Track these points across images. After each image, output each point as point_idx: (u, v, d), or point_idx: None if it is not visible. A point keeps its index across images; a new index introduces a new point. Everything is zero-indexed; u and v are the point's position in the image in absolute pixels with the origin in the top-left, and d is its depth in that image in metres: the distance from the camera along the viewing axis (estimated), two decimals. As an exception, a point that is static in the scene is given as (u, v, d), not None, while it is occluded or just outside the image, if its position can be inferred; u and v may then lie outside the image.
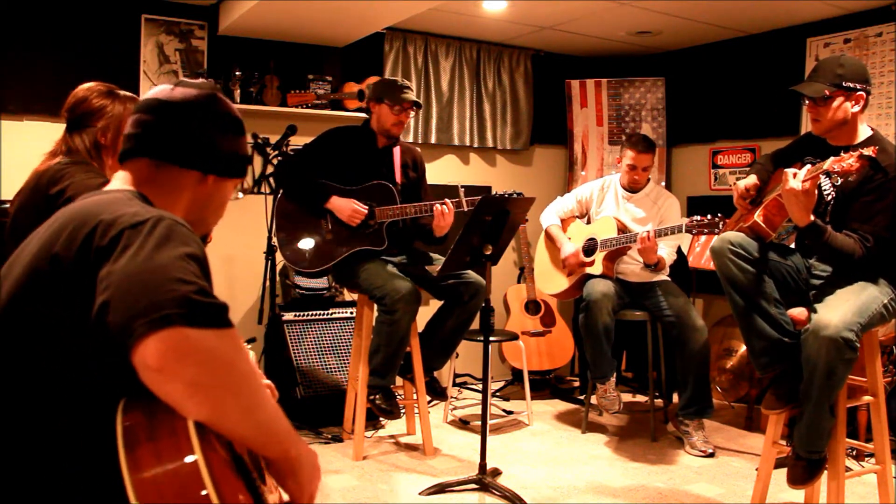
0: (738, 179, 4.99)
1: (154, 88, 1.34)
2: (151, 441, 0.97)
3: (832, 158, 2.42)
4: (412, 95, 3.58)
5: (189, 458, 0.95)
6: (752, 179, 2.90)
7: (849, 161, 2.37)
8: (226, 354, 1.00)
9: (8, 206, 2.27)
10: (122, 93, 2.30)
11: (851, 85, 2.57)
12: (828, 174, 2.52)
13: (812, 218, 2.48)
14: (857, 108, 2.60)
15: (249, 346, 1.66)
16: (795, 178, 2.46)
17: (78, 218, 1.12)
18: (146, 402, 1.00)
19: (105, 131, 2.23)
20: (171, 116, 1.29)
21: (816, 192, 2.54)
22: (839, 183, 2.63)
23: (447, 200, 3.54)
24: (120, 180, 1.29)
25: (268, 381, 1.60)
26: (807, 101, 2.66)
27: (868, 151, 2.36)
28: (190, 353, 0.96)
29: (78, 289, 1.05)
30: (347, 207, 3.54)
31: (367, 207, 3.56)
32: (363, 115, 3.82)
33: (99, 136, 2.22)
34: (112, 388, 1.04)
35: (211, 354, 0.98)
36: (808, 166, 2.50)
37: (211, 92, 1.34)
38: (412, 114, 3.65)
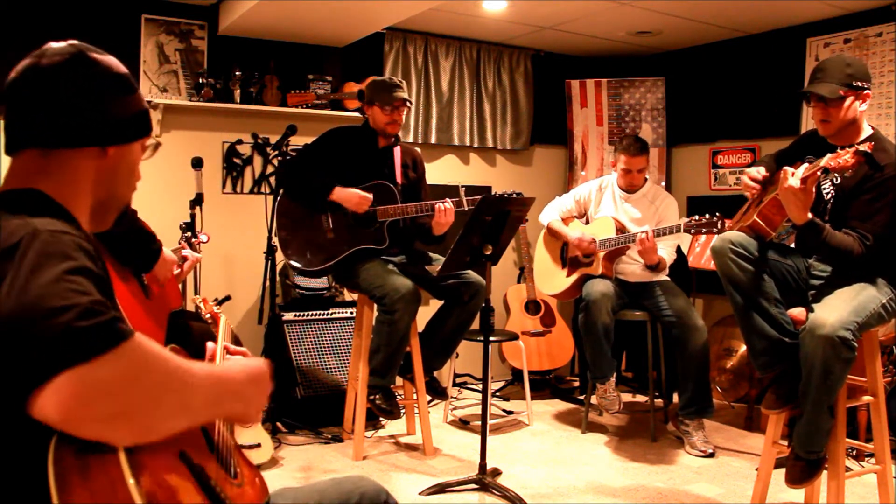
0: (738, 180, 5.02)
1: (17, 66, 1.14)
2: (84, 479, 0.90)
3: (829, 155, 2.42)
4: (402, 93, 3.59)
5: (123, 490, 0.89)
6: (762, 170, 2.88)
7: (845, 157, 2.36)
8: (132, 372, 0.91)
9: None
10: None
11: (861, 84, 2.57)
12: (825, 171, 2.51)
13: (810, 216, 2.48)
14: (864, 108, 2.61)
15: (220, 309, 1.61)
16: (794, 177, 2.46)
17: None
18: (75, 439, 0.91)
19: None
20: (45, 93, 1.11)
21: (815, 190, 2.54)
22: (838, 181, 2.63)
23: (447, 199, 3.56)
24: (9, 179, 1.13)
25: (240, 349, 1.53)
26: (813, 103, 2.64)
27: (864, 147, 2.36)
28: (91, 392, 0.87)
29: None
30: (353, 195, 3.55)
31: (371, 194, 3.56)
32: (363, 115, 3.83)
33: None
34: (36, 428, 0.92)
35: (116, 382, 0.89)
36: (806, 164, 2.49)
37: (78, 52, 1.14)
38: (405, 111, 3.66)
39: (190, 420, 1.00)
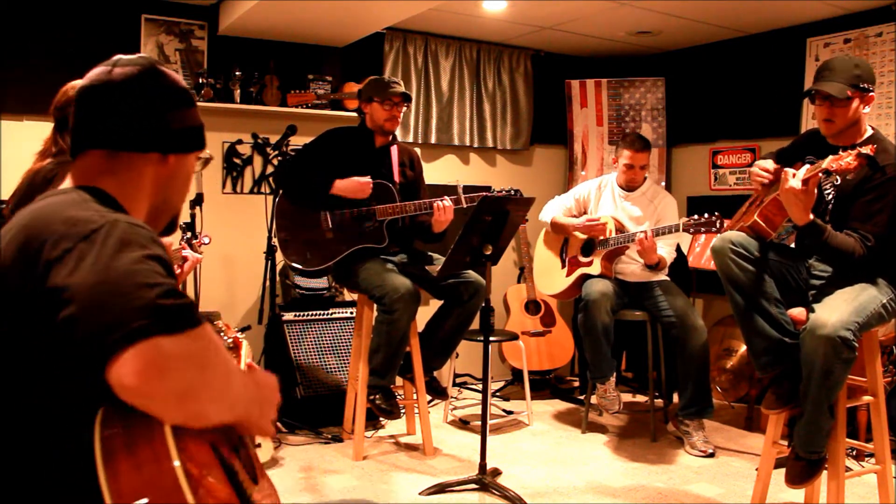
0: (738, 180, 5.02)
1: (90, 74, 1.24)
2: (130, 452, 0.95)
3: (830, 157, 2.41)
4: (400, 88, 3.59)
5: (168, 467, 0.94)
6: (771, 163, 2.87)
7: (847, 159, 2.36)
8: (202, 355, 0.98)
9: (4, 206, 2.28)
10: None
11: (867, 86, 2.56)
12: (827, 173, 2.51)
13: (811, 217, 2.47)
14: (867, 110, 2.60)
15: (243, 336, 1.66)
16: (795, 178, 2.46)
17: (30, 227, 1.05)
18: (123, 410, 0.97)
19: None
20: (117, 100, 1.20)
21: (816, 191, 2.54)
22: (838, 182, 2.63)
23: (446, 197, 3.57)
24: (75, 177, 1.21)
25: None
26: (818, 101, 2.62)
27: (866, 150, 2.36)
28: (168, 365, 0.93)
29: (31, 304, 1.00)
30: (353, 182, 3.55)
31: (371, 183, 3.57)
32: (361, 115, 3.84)
33: None
34: (87, 397, 0.99)
35: (188, 360, 0.96)
36: (808, 165, 2.49)
37: (150, 66, 1.24)
38: (404, 108, 3.66)
39: (228, 413, 1.04)
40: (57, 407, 1.02)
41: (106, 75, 1.21)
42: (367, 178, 3.57)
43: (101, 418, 0.97)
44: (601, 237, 4.01)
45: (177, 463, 0.94)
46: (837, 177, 2.59)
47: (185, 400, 0.95)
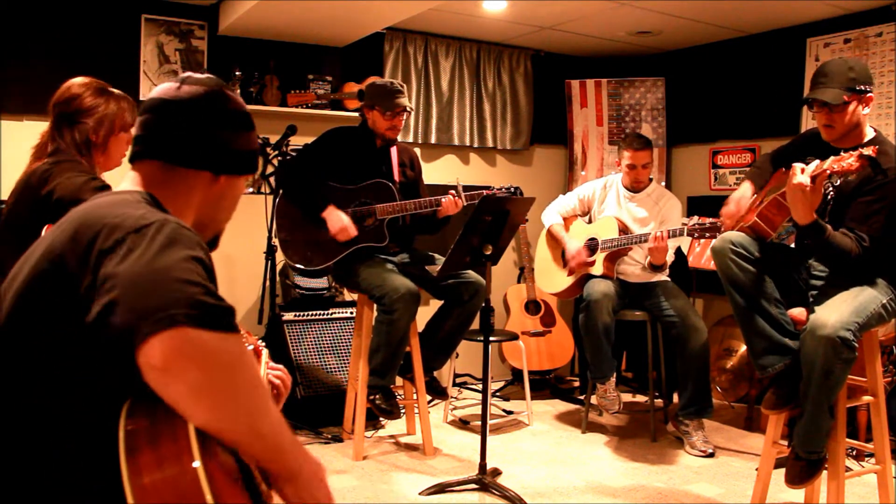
0: (738, 180, 5.02)
1: (159, 87, 1.31)
2: (153, 446, 0.96)
3: (832, 158, 2.40)
4: (404, 100, 3.58)
5: (190, 466, 0.94)
6: (748, 191, 2.88)
7: (849, 161, 2.35)
8: (231, 358, 0.99)
9: (3, 206, 2.28)
10: (115, 91, 2.31)
11: (864, 87, 2.56)
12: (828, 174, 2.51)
13: (814, 217, 2.46)
14: (867, 111, 2.60)
15: (263, 344, 1.66)
16: (804, 174, 2.42)
17: (84, 220, 1.10)
18: (149, 406, 0.99)
19: (97, 129, 2.23)
20: (180, 117, 1.26)
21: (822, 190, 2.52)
22: (838, 183, 2.62)
23: (452, 192, 3.62)
24: (130, 181, 1.27)
25: (278, 367, 1.59)
26: (816, 108, 2.62)
27: (868, 151, 2.35)
28: (195, 354, 0.96)
29: (78, 291, 1.04)
30: (339, 222, 3.51)
31: (356, 232, 3.55)
32: (362, 116, 3.85)
33: (91, 133, 2.22)
34: (115, 390, 1.03)
35: (216, 357, 0.97)
36: (817, 162, 2.45)
37: (217, 88, 1.30)
38: (405, 116, 3.67)
39: (252, 439, 1.03)
40: (85, 396, 1.04)
41: (174, 91, 1.27)
42: (354, 230, 3.53)
43: (127, 411, 1.00)
44: (573, 274, 4.03)
45: (198, 463, 0.94)
46: (837, 177, 2.59)
47: (207, 395, 0.97)
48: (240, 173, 1.33)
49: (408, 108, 3.61)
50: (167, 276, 0.99)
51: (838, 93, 2.53)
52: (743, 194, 2.88)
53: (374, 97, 3.60)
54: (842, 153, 2.40)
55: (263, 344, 1.72)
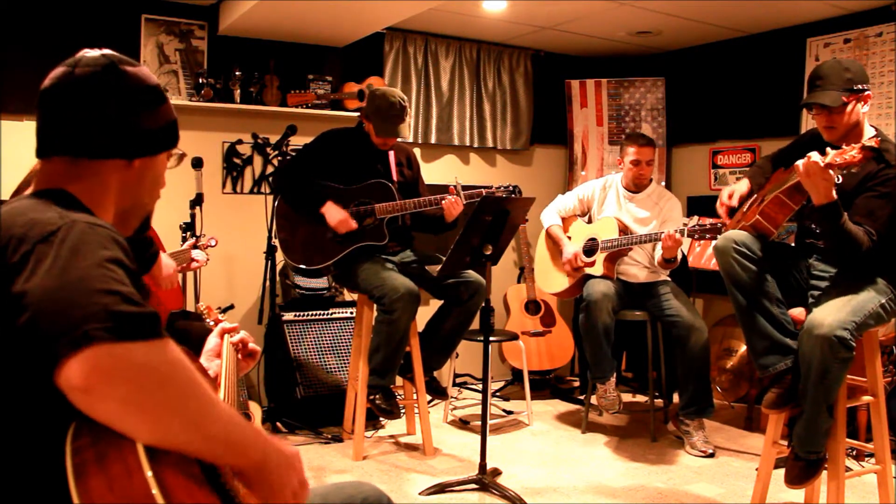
0: (738, 179, 5.02)
1: (53, 73, 1.18)
2: (101, 467, 0.91)
3: (834, 152, 2.38)
4: (400, 128, 3.56)
5: (139, 479, 0.90)
6: (743, 186, 2.89)
7: (851, 153, 2.32)
8: (158, 368, 0.92)
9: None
10: None
11: (861, 87, 2.56)
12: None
13: (835, 196, 2.41)
14: (866, 109, 2.60)
15: (224, 316, 1.64)
16: (818, 159, 2.37)
17: None
18: (94, 425, 0.93)
19: None
20: (78, 105, 1.14)
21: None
22: (839, 181, 2.61)
23: (452, 190, 3.62)
24: (40, 181, 1.17)
25: (242, 335, 1.56)
26: (815, 111, 2.61)
27: (870, 142, 2.33)
28: (117, 369, 0.89)
29: None
30: (338, 214, 3.53)
31: (356, 224, 3.56)
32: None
33: None
34: (56, 411, 0.95)
35: (141, 369, 0.91)
36: (833, 153, 2.38)
37: (111, 64, 1.17)
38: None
39: (203, 445, 0.98)
40: (28, 420, 0.97)
41: (67, 76, 1.16)
42: (354, 223, 3.54)
43: (73, 432, 0.94)
44: (571, 276, 4.03)
45: (149, 473, 0.90)
46: (839, 170, 2.56)
47: (139, 411, 0.91)
48: (155, 153, 1.23)
49: (402, 138, 3.62)
50: (79, 288, 0.91)
51: (836, 95, 2.53)
52: (739, 188, 2.91)
53: (373, 113, 3.59)
54: (843, 146, 2.37)
55: (222, 315, 1.71)
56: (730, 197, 2.89)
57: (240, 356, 1.59)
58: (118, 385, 0.89)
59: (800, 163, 2.43)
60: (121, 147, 1.18)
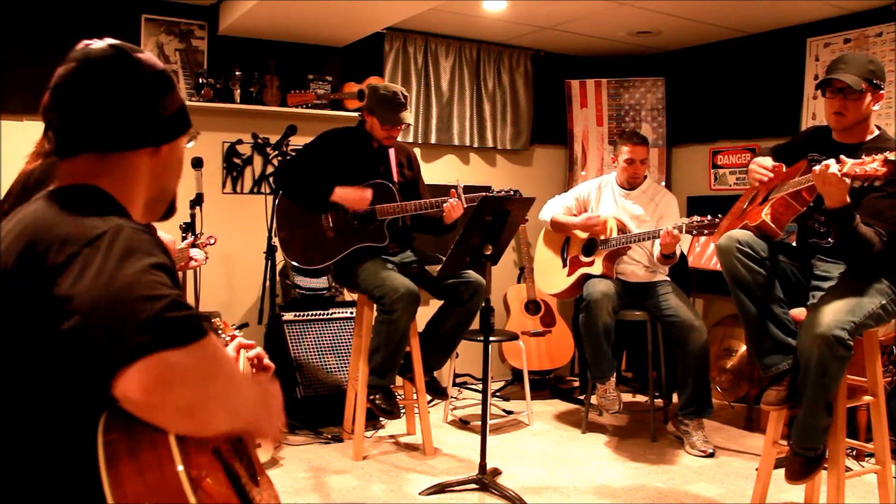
0: (738, 180, 5.02)
1: (62, 69, 1.15)
2: (133, 457, 0.94)
3: (853, 161, 2.34)
4: (405, 115, 3.58)
5: (171, 473, 0.93)
6: (768, 160, 2.80)
7: (873, 165, 2.29)
8: (209, 367, 0.97)
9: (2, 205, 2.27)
10: None
11: (879, 83, 2.56)
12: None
13: (848, 199, 2.40)
14: (877, 107, 2.60)
15: (240, 333, 1.66)
16: (836, 166, 2.35)
17: (31, 230, 1.03)
18: (126, 416, 0.96)
19: None
20: (97, 99, 1.12)
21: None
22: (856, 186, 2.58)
23: (453, 192, 3.62)
24: (66, 178, 1.16)
25: (257, 351, 1.59)
26: (829, 94, 2.60)
27: (892, 155, 2.30)
28: (174, 378, 0.92)
29: (35, 310, 0.98)
30: (351, 192, 3.56)
31: (371, 189, 3.57)
32: (361, 116, 3.86)
33: None
34: (89, 403, 0.98)
35: (194, 373, 0.94)
36: (851, 162, 2.36)
37: (123, 54, 1.16)
38: (403, 128, 3.67)
39: (234, 422, 1.03)
40: (60, 411, 1.00)
41: (79, 72, 1.14)
42: (367, 191, 3.57)
43: (104, 423, 0.97)
44: (602, 237, 4.01)
45: (180, 468, 0.93)
46: (859, 182, 2.53)
47: (192, 412, 0.95)
48: (177, 136, 1.24)
49: (408, 124, 3.62)
50: (130, 296, 0.93)
51: (858, 79, 2.53)
52: (765, 161, 2.79)
53: (376, 105, 3.60)
54: (863, 157, 2.34)
55: (240, 333, 1.72)
56: (763, 167, 2.75)
57: (254, 370, 1.62)
58: (175, 393, 0.92)
59: (816, 168, 2.42)
60: (148, 135, 1.18)
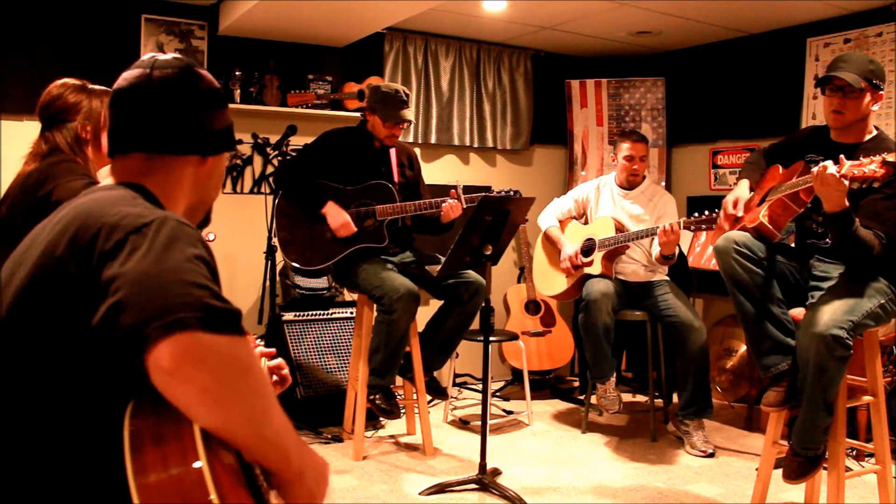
0: (738, 180, 5.01)
1: (127, 74, 1.25)
2: (157, 445, 0.96)
3: (851, 162, 2.35)
4: (407, 113, 3.57)
5: (195, 465, 0.94)
6: (745, 191, 2.83)
7: (871, 167, 2.29)
8: (240, 362, 0.99)
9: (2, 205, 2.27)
10: (95, 87, 2.31)
11: (878, 83, 2.56)
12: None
13: (847, 204, 2.40)
14: (876, 107, 2.60)
15: (260, 342, 1.67)
16: (834, 167, 2.35)
17: (80, 219, 1.09)
18: (154, 405, 0.99)
19: (85, 125, 2.24)
20: (159, 104, 1.22)
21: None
22: (856, 188, 2.58)
23: (447, 199, 3.60)
24: (116, 175, 1.25)
25: (279, 361, 1.61)
26: (828, 92, 2.60)
27: (891, 157, 2.31)
28: (205, 358, 0.95)
29: (81, 293, 1.03)
30: (340, 218, 3.54)
31: (356, 228, 3.57)
32: (362, 115, 3.86)
33: (80, 130, 2.23)
34: (119, 389, 1.02)
35: (224, 360, 0.97)
36: (849, 163, 2.37)
37: (189, 68, 1.26)
38: (405, 126, 3.67)
39: (259, 443, 1.03)
40: (89, 396, 1.03)
41: (145, 77, 1.23)
42: (353, 227, 3.55)
43: (132, 410, 1.00)
44: (572, 265, 4.03)
45: (201, 463, 0.94)
46: (857, 184, 2.53)
47: (214, 401, 0.96)
48: (223, 150, 1.33)
49: (409, 121, 3.61)
50: (174, 278, 0.97)
51: (858, 78, 2.53)
52: (741, 194, 2.84)
53: (377, 103, 3.60)
54: (861, 158, 2.34)
55: (259, 341, 1.73)
56: (735, 205, 2.80)
57: (274, 378, 1.63)
58: (203, 372, 0.95)
59: (815, 170, 2.41)
60: (197, 144, 1.26)
